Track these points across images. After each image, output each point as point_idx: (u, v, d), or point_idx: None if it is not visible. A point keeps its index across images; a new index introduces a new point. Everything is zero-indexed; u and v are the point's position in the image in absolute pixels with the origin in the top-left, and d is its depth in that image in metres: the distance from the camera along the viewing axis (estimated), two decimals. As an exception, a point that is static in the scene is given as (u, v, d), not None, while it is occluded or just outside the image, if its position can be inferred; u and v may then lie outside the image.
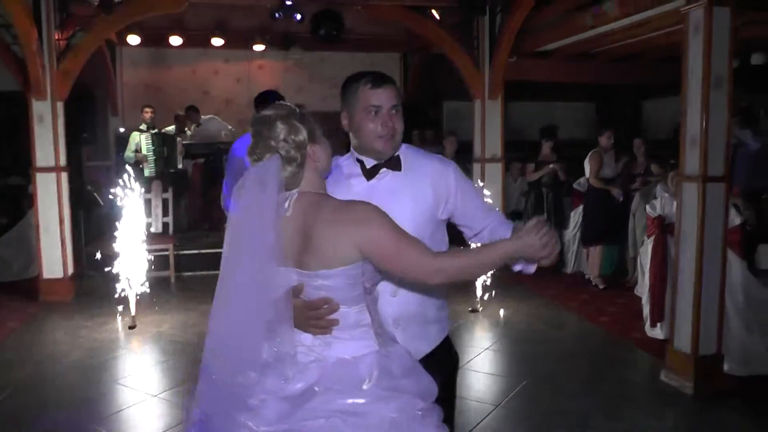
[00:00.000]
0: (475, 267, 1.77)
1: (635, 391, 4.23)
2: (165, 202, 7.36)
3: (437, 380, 1.91)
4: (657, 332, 5.05)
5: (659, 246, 5.01)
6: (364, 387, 1.69)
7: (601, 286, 6.71)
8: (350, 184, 2.06)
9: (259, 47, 9.60)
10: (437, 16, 7.62)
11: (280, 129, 1.75)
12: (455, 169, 2.15)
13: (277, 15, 6.85)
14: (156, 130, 7.95)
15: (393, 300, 2.04)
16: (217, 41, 9.21)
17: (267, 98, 3.48)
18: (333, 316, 1.74)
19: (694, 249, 4.00)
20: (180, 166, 8.12)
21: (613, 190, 6.52)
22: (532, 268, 1.97)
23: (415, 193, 2.05)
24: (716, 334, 4.09)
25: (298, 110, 1.80)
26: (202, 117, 8.82)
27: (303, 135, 1.75)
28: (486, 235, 2.14)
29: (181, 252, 7.34)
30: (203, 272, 7.39)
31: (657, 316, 5.04)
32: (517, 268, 1.97)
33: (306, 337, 1.76)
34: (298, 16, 6.89)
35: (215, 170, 8.42)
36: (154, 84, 9.52)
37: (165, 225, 7.38)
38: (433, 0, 7.35)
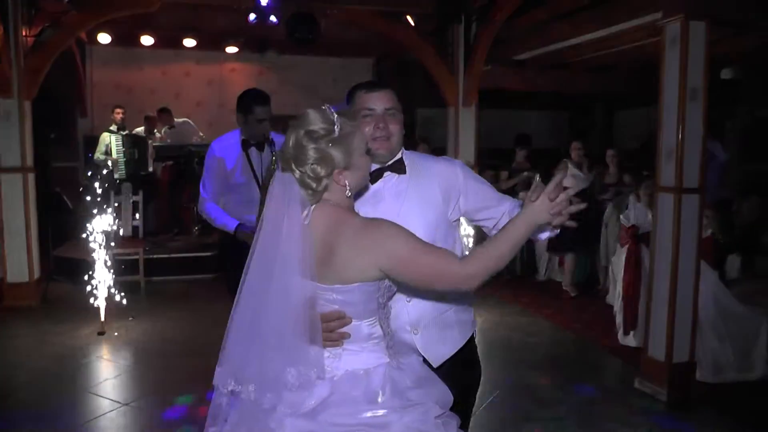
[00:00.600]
0: (508, 252, 1.67)
1: (610, 398, 4.28)
2: (135, 205, 7.21)
3: (461, 384, 2.03)
4: (630, 340, 5.13)
5: (633, 255, 5.09)
6: (379, 399, 1.68)
7: (572, 294, 6.79)
8: None
9: (231, 49, 9.50)
10: (412, 23, 7.65)
11: (310, 155, 1.68)
12: (462, 167, 2.18)
13: (252, 18, 6.77)
14: (126, 132, 7.79)
15: (408, 305, 2.06)
16: (189, 42, 9.09)
17: (245, 98, 3.39)
18: (345, 329, 1.73)
19: (670, 259, 4.07)
20: (150, 168, 7.96)
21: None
22: (543, 235, 2.00)
23: (423, 195, 2.08)
24: (689, 342, 4.17)
25: (338, 126, 1.68)
26: (176, 120, 8.67)
27: (330, 167, 1.69)
28: (506, 220, 2.11)
29: (152, 256, 7.19)
30: (173, 277, 7.27)
31: (630, 325, 5.12)
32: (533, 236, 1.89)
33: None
34: (274, 19, 6.81)
35: (185, 173, 8.29)
36: (125, 84, 9.33)
37: (135, 228, 7.23)
38: (408, 6, 7.38)
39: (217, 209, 3.46)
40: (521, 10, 6.30)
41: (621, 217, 5.32)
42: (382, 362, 1.75)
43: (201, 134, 8.66)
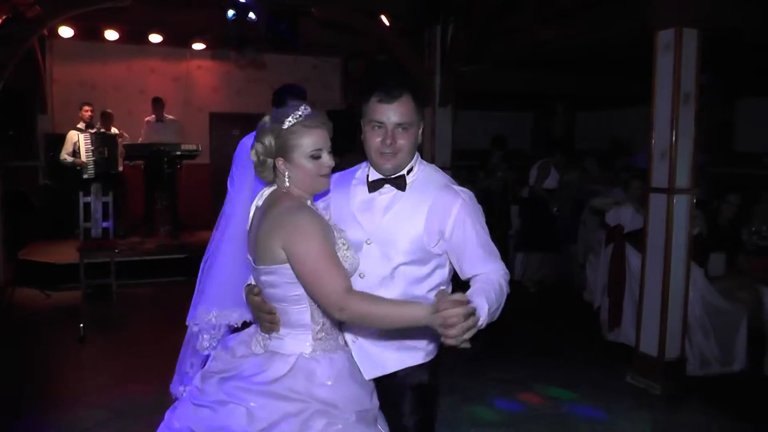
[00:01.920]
0: (380, 320, 1.69)
1: (605, 392, 4.37)
2: (105, 205, 6.93)
3: (402, 408, 1.99)
4: (615, 336, 5.26)
5: (618, 254, 5.23)
6: (273, 386, 1.77)
7: (531, 290, 6.96)
8: (354, 191, 2.08)
9: (198, 46, 9.28)
10: (387, 23, 7.66)
11: (258, 137, 1.89)
12: (463, 205, 1.97)
13: (230, 15, 6.64)
14: (95, 130, 7.49)
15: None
16: (155, 38, 8.82)
17: (281, 91, 3.29)
18: (278, 312, 1.86)
19: (662, 257, 4.20)
20: (121, 168, 7.70)
21: (552, 207, 6.85)
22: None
23: (408, 217, 1.97)
24: (680, 338, 4.31)
25: (288, 123, 1.84)
26: (167, 116, 8.43)
27: (267, 153, 1.87)
28: (479, 284, 1.90)
29: (123, 259, 6.95)
30: (145, 280, 7.06)
31: (615, 322, 5.25)
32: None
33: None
34: (253, 16, 6.70)
35: (154, 173, 8.07)
36: (87, 80, 8.97)
37: (105, 230, 6.96)
38: (385, 5, 7.38)
39: None
40: (505, 12, 6.35)
41: (606, 217, 5.44)
42: (299, 352, 1.83)
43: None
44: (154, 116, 8.35)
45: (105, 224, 6.96)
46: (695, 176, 4.23)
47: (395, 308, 1.68)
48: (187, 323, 2.12)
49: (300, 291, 1.81)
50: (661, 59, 4.19)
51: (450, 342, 1.56)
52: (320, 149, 1.85)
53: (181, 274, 7.14)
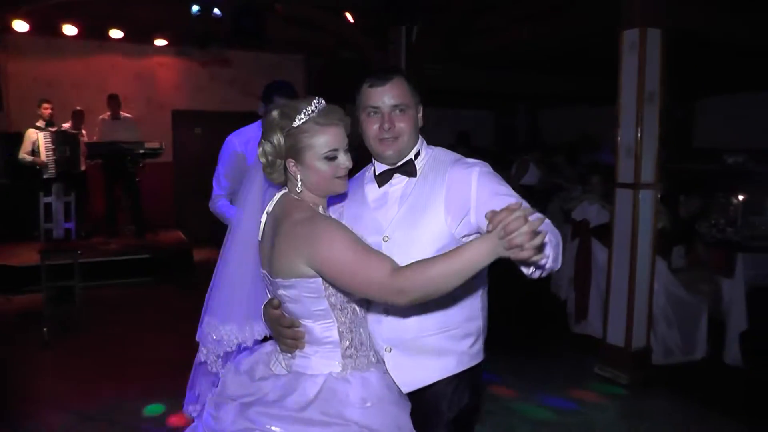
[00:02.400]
0: (444, 281, 1.47)
1: (574, 383, 4.48)
2: (67, 206, 6.78)
3: (442, 419, 1.84)
4: (582, 328, 5.39)
5: (584, 248, 5.36)
6: (304, 410, 1.60)
7: None
8: (365, 191, 1.94)
9: (160, 42, 9.10)
10: (351, 20, 7.66)
11: (267, 134, 1.71)
12: (480, 173, 1.82)
13: (195, 10, 6.53)
14: (56, 128, 7.29)
15: (383, 318, 1.83)
16: (115, 33, 8.61)
17: (269, 88, 3.22)
18: (300, 329, 1.71)
19: (629, 251, 4.33)
20: (83, 167, 7.50)
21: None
22: (533, 273, 1.59)
23: (426, 203, 1.82)
24: (646, 329, 4.45)
25: (299, 120, 1.66)
26: (123, 114, 8.23)
27: (276, 154, 1.70)
28: None
29: (86, 260, 6.78)
30: (109, 281, 6.90)
31: (582, 314, 5.38)
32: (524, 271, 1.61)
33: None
34: (218, 12, 6.60)
35: (117, 172, 7.89)
36: (45, 77, 8.69)
37: (67, 231, 6.81)
38: (349, 2, 7.37)
39: (233, 208, 3.29)
40: (475, 12, 6.41)
41: (573, 213, 5.57)
42: (327, 371, 1.67)
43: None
44: (109, 113, 8.12)
45: (67, 225, 6.82)
46: (660, 172, 4.37)
47: (452, 260, 1.45)
48: (197, 339, 1.94)
49: (325, 305, 1.66)
50: (626, 59, 4.31)
51: (524, 255, 1.35)
52: (336, 149, 1.67)
53: (145, 274, 7.04)
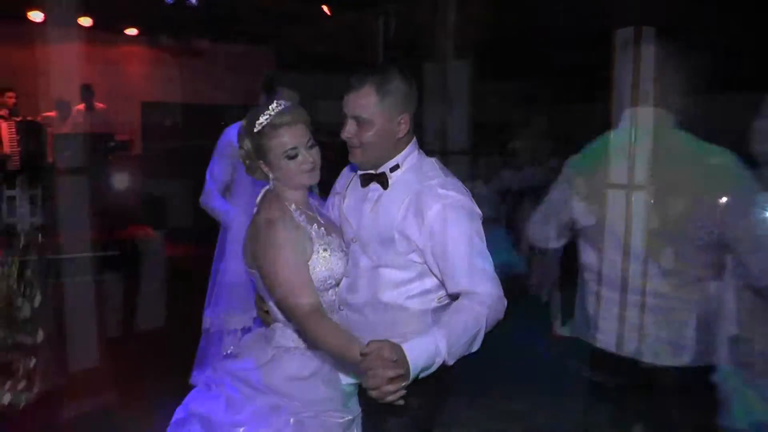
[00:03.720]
0: (320, 342, 1.73)
1: (561, 387, 4.43)
2: (33, 199, 6.54)
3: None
4: (567, 331, 5.36)
5: (571, 249, 5.31)
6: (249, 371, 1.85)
7: None
8: (356, 184, 2.01)
9: (131, 31, 8.90)
10: (328, 12, 7.60)
11: (239, 139, 1.92)
12: (444, 210, 1.78)
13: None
14: (21, 119, 7.03)
15: (334, 316, 1.91)
16: (84, 21, 8.34)
17: (271, 78, 3.10)
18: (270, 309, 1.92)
19: (621, 252, 4.28)
20: (51, 159, 7.26)
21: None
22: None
23: (385, 217, 1.86)
24: (637, 332, 4.42)
25: (259, 125, 1.81)
26: (97, 105, 8.12)
27: (247, 156, 1.89)
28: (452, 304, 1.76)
29: (53, 257, 6.54)
30: (77, 278, 6.67)
31: (567, 316, 5.35)
32: None
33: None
34: (193, 0, 6.47)
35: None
36: (9, 64, 8.36)
37: (32, 226, 6.56)
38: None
39: (226, 203, 3.14)
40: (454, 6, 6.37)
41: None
42: (287, 346, 1.87)
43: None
44: (84, 105, 7.90)
45: (32, 219, 6.58)
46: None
47: (335, 339, 1.68)
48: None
49: None
50: (619, 57, 4.25)
51: (372, 394, 1.49)
52: (295, 147, 1.81)
53: (113, 270, 6.83)
